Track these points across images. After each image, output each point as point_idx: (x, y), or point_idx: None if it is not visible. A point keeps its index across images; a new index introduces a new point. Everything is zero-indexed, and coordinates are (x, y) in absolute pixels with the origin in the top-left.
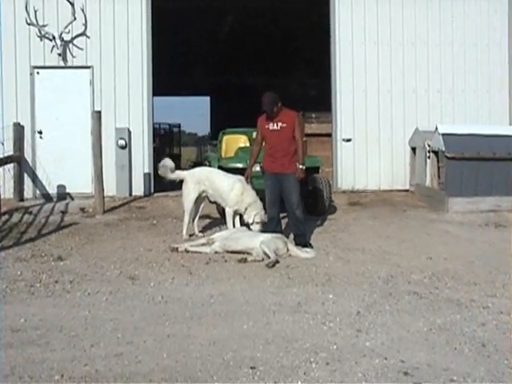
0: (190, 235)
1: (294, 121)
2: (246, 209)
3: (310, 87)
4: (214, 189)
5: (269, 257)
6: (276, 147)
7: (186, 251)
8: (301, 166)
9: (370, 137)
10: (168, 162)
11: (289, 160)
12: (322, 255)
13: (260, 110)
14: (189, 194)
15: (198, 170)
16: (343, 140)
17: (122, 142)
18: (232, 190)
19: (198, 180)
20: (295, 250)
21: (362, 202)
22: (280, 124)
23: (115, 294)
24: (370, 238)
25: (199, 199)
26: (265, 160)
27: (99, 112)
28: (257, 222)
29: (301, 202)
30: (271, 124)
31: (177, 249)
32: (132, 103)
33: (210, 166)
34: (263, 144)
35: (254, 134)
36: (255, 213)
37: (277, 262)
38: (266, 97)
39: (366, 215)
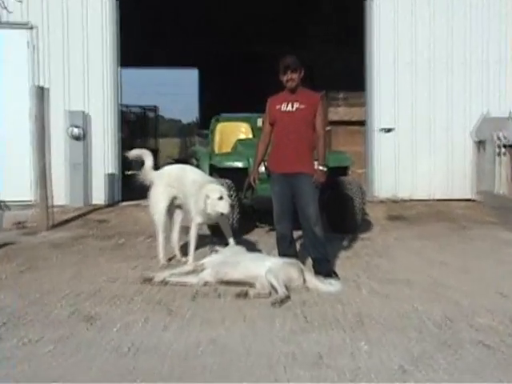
0: (169, 259)
1: (316, 103)
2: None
3: (336, 58)
4: (184, 194)
5: (277, 291)
6: (287, 134)
7: (165, 283)
8: (321, 167)
9: (419, 126)
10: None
11: (305, 155)
12: (351, 288)
13: (269, 89)
14: (157, 202)
15: (167, 168)
16: (382, 130)
17: (76, 131)
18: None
19: (168, 182)
20: (314, 281)
21: (407, 215)
22: (297, 105)
23: (65, 342)
24: (418, 265)
25: (173, 208)
26: (271, 155)
27: (44, 89)
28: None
29: (321, 214)
30: (284, 104)
31: (151, 279)
32: (90, 77)
33: (198, 164)
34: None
35: (260, 122)
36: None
37: (287, 298)
38: (288, 57)
39: (412, 234)
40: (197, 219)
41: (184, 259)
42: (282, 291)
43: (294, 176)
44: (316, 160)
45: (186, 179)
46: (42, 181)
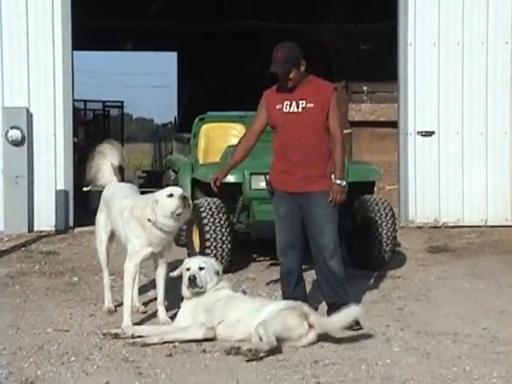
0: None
1: (328, 97)
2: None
3: (359, 38)
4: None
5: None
6: (294, 145)
7: (134, 342)
8: (338, 181)
9: (470, 128)
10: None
11: (317, 168)
12: (379, 343)
13: (267, 81)
14: (98, 230)
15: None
16: (419, 134)
17: (15, 134)
18: (125, 224)
19: (107, 204)
20: (322, 321)
21: (454, 246)
22: (303, 103)
23: None
24: (469, 313)
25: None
26: (274, 170)
27: None
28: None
29: (340, 245)
30: (287, 103)
31: (116, 335)
32: (35, 62)
33: (176, 177)
34: (264, 136)
35: None
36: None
37: (267, 351)
38: (280, 50)
39: (460, 271)
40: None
41: (142, 308)
42: (266, 341)
43: (305, 195)
44: (332, 173)
45: (114, 201)
46: None
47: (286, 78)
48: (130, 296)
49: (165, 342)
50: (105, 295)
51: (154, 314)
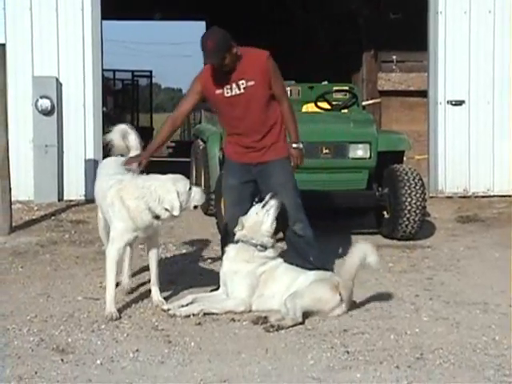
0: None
1: (266, 68)
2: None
3: (388, 7)
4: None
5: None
6: (243, 124)
7: (175, 314)
8: (295, 145)
9: (502, 97)
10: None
11: (271, 138)
12: (408, 313)
13: (301, 46)
14: (98, 211)
15: (107, 159)
16: (449, 103)
17: (45, 104)
18: (108, 206)
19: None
20: (348, 283)
21: (484, 216)
22: (243, 83)
23: (29, 382)
24: (498, 282)
25: None
26: (228, 143)
27: (2, 46)
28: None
29: (369, 214)
30: (227, 87)
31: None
32: (63, 32)
33: (204, 147)
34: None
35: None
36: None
37: (294, 326)
38: (208, 40)
39: (489, 241)
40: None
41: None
42: (291, 317)
43: (260, 165)
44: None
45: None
46: (1, 168)
47: (222, 64)
48: (113, 282)
49: (205, 314)
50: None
51: (146, 295)
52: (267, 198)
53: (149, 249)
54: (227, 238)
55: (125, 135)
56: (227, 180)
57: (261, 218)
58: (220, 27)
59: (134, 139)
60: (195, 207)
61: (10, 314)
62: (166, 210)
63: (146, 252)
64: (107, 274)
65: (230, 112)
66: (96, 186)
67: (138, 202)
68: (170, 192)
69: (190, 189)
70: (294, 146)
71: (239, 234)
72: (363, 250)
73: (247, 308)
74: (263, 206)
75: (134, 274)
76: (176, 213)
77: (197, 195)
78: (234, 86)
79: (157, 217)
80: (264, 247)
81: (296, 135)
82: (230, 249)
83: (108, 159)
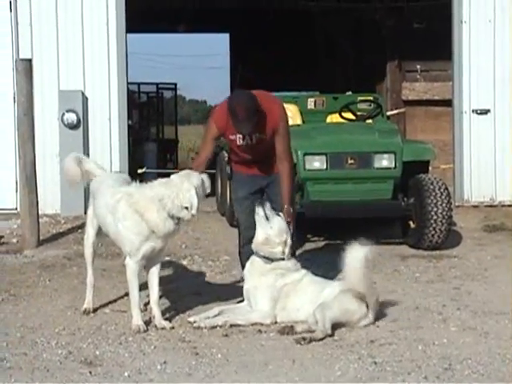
0: (95, 310)
1: (277, 128)
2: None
3: (412, 16)
4: (97, 219)
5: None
6: (253, 161)
7: (199, 326)
8: (286, 206)
9: None
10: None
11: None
12: (435, 323)
13: (323, 61)
14: (88, 223)
15: (101, 175)
16: (474, 112)
17: (71, 118)
18: (118, 220)
19: (93, 197)
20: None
21: (510, 225)
22: (256, 135)
23: None
24: None
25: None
26: (235, 165)
27: (29, 61)
28: None
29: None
30: (240, 136)
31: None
32: (89, 46)
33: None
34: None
35: (310, 103)
36: None
37: (324, 338)
38: (239, 107)
39: None
40: (131, 264)
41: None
42: (320, 329)
43: (268, 178)
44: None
45: (99, 194)
46: (27, 183)
47: (250, 129)
48: (137, 295)
49: (231, 326)
50: (86, 294)
51: (173, 307)
52: (269, 213)
53: (152, 265)
54: (243, 250)
55: (80, 162)
56: (237, 193)
57: (264, 232)
58: (242, 40)
59: (89, 161)
60: (207, 196)
61: (38, 327)
62: (186, 208)
63: (146, 270)
64: (130, 287)
65: (240, 152)
66: (96, 202)
67: (159, 213)
68: (188, 190)
69: (202, 181)
70: (286, 206)
71: (252, 247)
72: (355, 253)
73: (272, 320)
74: (266, 220)
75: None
76: (194, 211)
77: (206, 183)
78: (247, 137)
79: (178, 220)
80: (271, 259)
81: (288, 199)
82: (247, 264)
83: (102, 176)
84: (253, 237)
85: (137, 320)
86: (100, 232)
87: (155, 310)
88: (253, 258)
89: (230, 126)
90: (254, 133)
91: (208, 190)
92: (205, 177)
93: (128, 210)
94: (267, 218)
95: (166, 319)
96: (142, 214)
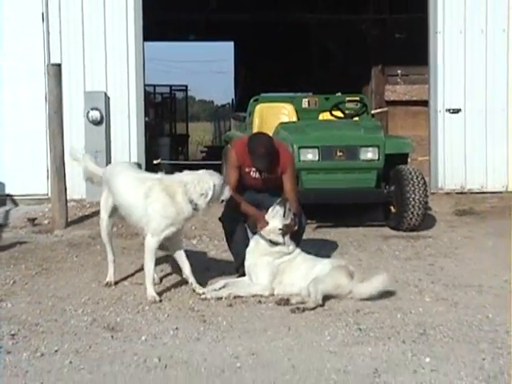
0: (116, 282)
1: (286, 171)
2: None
3: (394, 27)
4: (119, 203)
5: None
6: (261, 189)
7: (206, 298)
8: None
9: (494, 106)
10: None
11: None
12: (412, 295)
13: (316, 65)
14: (101, 207)
15: (113, 163)
16: (448, 111)
17: (95, 115)
18: (149, 203)
19: (108, 182)
20: (359, 287)
21: (478, 210)
22: (266, 174)
23: (84, 355)
24: (492, 268)
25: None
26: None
27: (58, 65)
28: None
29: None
30: (253, 171)
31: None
32: (111, 52)
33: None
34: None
35: (304, 102)
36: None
37: (315, 308)
38: (260, 146)
39: (483, 231)
40: (152, 242)
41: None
42: (313, 300)
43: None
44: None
45: (119, 183)
46: (57, 172)
47: (268, 167)
48: (153, 269)
49: (234, 297)
50: (108, 269)
51: (184, 281)
52: (276, 203)
53: (176, 249)
54: (230, 235)
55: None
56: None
57: (270, 219)
58: (245, 48)
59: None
60: (222, 201)
61: (66, 297)
62: (202, 195)
63: (172, 252)
64: (147, 263)
65: (250, 182)
66: (114, 186)
67: (184, 196)
68: (207, 182)
69: (222, 183)
70: (295, 205)
71: (262, 233)
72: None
73: (271, 292)
74: (272, 209)
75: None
76: (208, 199)
77: (226, 191)
78: (258, 173)
79: (195, 207)
80: (275, 243)
81: (295, 198)
82: (251, 243)
83: (120, 164)
84: (235, 230)
85: (151, 292)
86: (113, 215)
87: (192, 279)
88: (258, 239)
89: (247, 159)
90: (268, 171)
91: (225, 196)
92: (228, 187)
93: (161, 193)
94: (284, 215)
95: (178, 292)
96: (173, 196)
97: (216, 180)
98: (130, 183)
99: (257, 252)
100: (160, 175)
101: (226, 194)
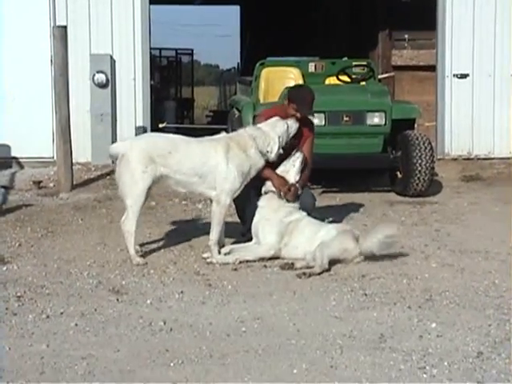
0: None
1: (309, 136)
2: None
3: None
4: (188, 172)
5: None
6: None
7: (211, 262)
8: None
9: (502, 71)
10: None
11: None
12: (418, 260)
13: (321, 29)
14: (136, 182)
15: (146, 137)
16: (455, 76)
17: (100, 78)
18: (230, 160)
19: (151, 157)
20: (369, 245)
21: (485, 175)
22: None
23: (89, 318)
24: (498, 233)
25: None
26: None
27: (64, 28)
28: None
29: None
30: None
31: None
32: (117, 15)
33: (239, 115)
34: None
35: (310, 67)
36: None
37: (321, 272)
38: (311, 93)
39: (490, 197)
40: (226, 200)
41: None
42: (319, 265)
43: None
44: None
45: (186, 153)
46: (62, 134)
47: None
48: (223, 229)
49: (240, 262)
50: (130, 247)
51: (189, 244)
52: (293, 152)
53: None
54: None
55: None
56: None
57: (287, 169)
58: (252, 12)
59: None
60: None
61: (72, 260)
62: (267, 151)
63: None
64: (217, 224)
65: None
66: (197, 155)
67: (255, 150)
68: (272, 138)
69: (286, 128)
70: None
71: (268, 185)
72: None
73: (277, 252)
74: (290, 159)
75: (173, 229)
76: (274, 155)
77: (293, 127)
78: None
79: (267, 157)
80: (287, 200)
81: (304, 181)
82: (261, 200)
83: (164, 136)
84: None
85: (216, 255)
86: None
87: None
88: (271, 194)
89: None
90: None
91: (294, 132)
92: (291, 122)
93: (235, 148)
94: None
95: (183, 255)
96: (246, 150)
97: (279, 130)
98: (205, 148)
99: (269, 206)
100: (223, 134)
101: (295, 128)
